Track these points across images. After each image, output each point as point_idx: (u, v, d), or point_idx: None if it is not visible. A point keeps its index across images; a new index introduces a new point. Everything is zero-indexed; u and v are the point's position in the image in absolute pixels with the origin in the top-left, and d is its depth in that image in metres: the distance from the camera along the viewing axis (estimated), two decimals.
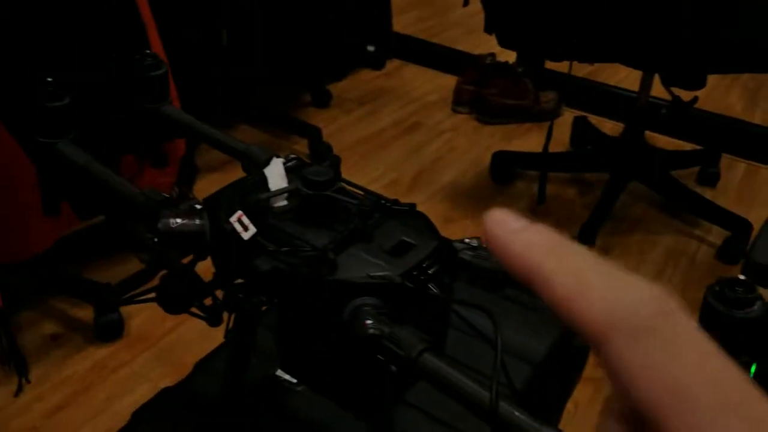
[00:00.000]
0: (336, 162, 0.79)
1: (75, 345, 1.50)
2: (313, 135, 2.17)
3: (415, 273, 0.68)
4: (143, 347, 1.51)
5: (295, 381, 0.98)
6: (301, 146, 2.23)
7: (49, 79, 0.83)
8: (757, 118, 2.46)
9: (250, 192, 0.76)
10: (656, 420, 0.19)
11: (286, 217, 0.73)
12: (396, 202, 0.77)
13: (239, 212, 0.70)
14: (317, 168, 0.74)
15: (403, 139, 2.35)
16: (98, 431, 1.32)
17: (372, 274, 0.67)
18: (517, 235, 0.24)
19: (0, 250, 1.36)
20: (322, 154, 2.16)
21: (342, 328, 0.66)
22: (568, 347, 1.13)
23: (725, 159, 2.17)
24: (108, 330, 1.50)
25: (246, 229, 0.69)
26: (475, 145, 2.34)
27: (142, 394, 1.41)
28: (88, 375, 1.44)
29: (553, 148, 2.20)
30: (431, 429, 0.91)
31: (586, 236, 1.78)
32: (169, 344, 1.52)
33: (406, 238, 0.71)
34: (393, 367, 0.62)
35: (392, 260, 0.68)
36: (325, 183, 0.72)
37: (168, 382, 1.44)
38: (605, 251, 1.84)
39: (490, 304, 0.71)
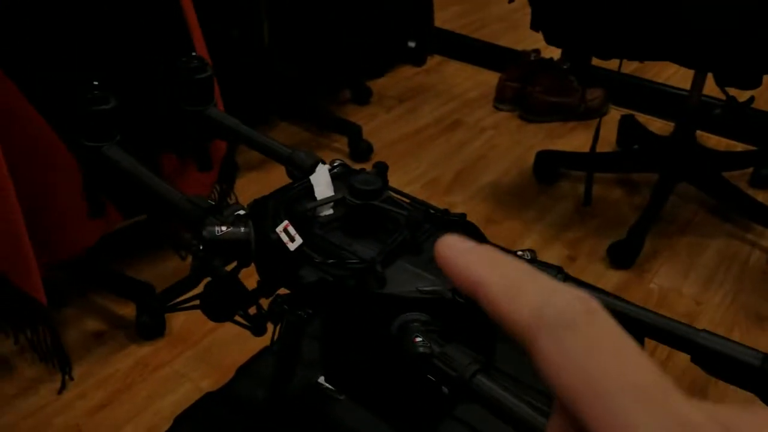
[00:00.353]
0: (383, 170, 0.77)
1: (118, 343, 1.51)
2: (354, 133, 2.16)
3: None
4: (184, 347, 1.51)
5: (336, 389, 0.97)
6: (341, 144, 2.21)
7: (96, 83, 0.83)
8: None
9: (296, 200, 0.74)
10: (574, 410, 0.21)
11: (332, 226, 0.71)
12: (446, 212, 0.74)
13: (285, 222, 0.68)
14: (365, 176, 0.72)
15: (443, 137, 2.32)
16: (139, 430, 1.32)
17: (421, 288, 0.64)
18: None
19: (45, 249, 1.37)
20: (363, 152, 2.14)
21: (389, 343, 0.64)
22: None
23: None
24: (149, 329, 1.51)
25: (292, 239, 0.67)
26: (517, 143, 2.29)
27: (184, 393, 1.41)
28: (130, 373, 1.44)
29: (600, 147, 2.15)
30: None
31: (634, 239, 1.73)
32: (209, 344, 1.52)
33: None
34: (444, 389, 0.60)
35: (443, 274, 0.66)
36: (373, 192, 0.70)
37: (208, 382, 1.45)
38: (654, 255, 1.78)
39: None
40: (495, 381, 0.58)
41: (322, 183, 0.76)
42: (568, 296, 0.23)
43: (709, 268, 1.75)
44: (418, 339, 0.61)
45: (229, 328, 1.62)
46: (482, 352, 0.62)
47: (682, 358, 1.59)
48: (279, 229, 0.68)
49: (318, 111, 2.34)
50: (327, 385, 0.97)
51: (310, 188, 0.75)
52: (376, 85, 2.60)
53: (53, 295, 1.48)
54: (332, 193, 0.74)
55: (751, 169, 2.04)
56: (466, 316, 0.66)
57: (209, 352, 1.50)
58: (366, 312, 0.66)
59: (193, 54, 0.92)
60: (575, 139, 2.30)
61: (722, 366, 0.60)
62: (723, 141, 2.23)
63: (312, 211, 0.71)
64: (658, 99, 2.40)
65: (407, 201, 0.75)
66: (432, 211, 0.73)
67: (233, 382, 1.01)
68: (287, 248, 0.67)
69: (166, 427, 1.35)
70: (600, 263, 1.75)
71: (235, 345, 1.49)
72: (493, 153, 2.24)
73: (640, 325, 0.65)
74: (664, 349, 1.53)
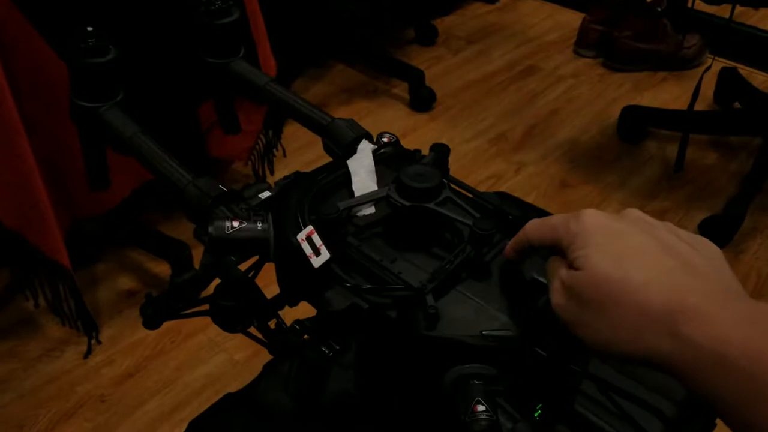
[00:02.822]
0: (443, 156, 0.59)
1: None
2: (416, 78, 1.95)
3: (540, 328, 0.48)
4: None
5: None
6: (401, 90, 2.01)
7: (90, 29, 0.66)
8: None
9: (328, 194, 0.57)
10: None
11: (371, 233, 0.54)
12: (525, 215, 0.56)
13: (309, 228, 0.51)
14: (418, 168, 0.54)
15: (515, 86, 2.09)
16: (165, 405, 1.22)
17: (486, 331, 0.47)
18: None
19: (75, 205, 1.25)
20: (425, 100, 1.94)
21: (441, 400, 0.48)
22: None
23: None
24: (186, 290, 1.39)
25: (318, 253, 0.50)
26: (600, 95, 2.04)
27: (216, 365, 1.30)
28: (161, 339, 1.34)
29: (688, 101, 1.88)
30: None
31: (732, 213, 1.50)
32: None
33: (538, 276, 0.51)
34: None
35: (517, 310, 0.48)
36: (428, 192, 0.52)
37: (243, 355, 1.32)
38: (753, 232, 1.55)
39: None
40: None
41: (362, 170, 0.58)
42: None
43: None
44: (480, 408, 0.44)
45: (272, 292, 1.50)
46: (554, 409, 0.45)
47: None
48: (301, 236, 0.52)
49: (377, 52, 2.14)
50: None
51: (348, 176, 0.58)
52: (443, 23, 2.37)
53: (83, 250, 1.38)
54: (374, 186, 0.56)
55: None
56: (545, 372, 0.49)
57: None
58: (412, 356, 0.50)
59: None
60: (665, 93, 2.03)
61: None
62: None
63: (346, 212, 0.54)
64: (765, 49, 2.09)
65: (473, 197, 0.57)
66: (510, 215, 0.54)
67: (258, 381, 0.87)
68: (310, 263, 0.51)
69: (194, 403, 1.24)
70: None
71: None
72: (571, 106, 2.00)
73: None
74: None
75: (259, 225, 0.57)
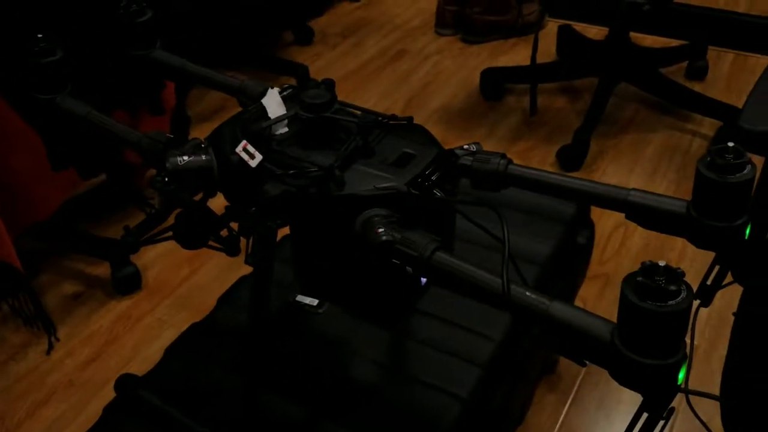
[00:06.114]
0: (331, 84, 0.81)
1: (97, 300, 1.54)
2: (302, 72, 2.17)
3: (419, 180, 0.71)
4: (163, 295, 1.55)
5: (314, 304, 1.02)
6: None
7: (40, 35, 0.84)
8: (741, 7, 2.45)
9: (252, 123, 0.78)
10: None
11: (289, 142, 0.76)
12: (393, 117, 0.79)
13: (244, 142, 0.72)
14: (314, 91, 0.76)
15: (390, 68, 2.35)
16: None
17: (378, 186, 0.70)
18: None
19: (9, 218, 1.38)
20: None
21: (355, 240, 0.70)
22: (571, 246, 1.17)
23: (712, 51, 2.17)
24: (126, 283, 1.54)
25: (252, 157, 0.72)
26: (462, 66, 2.33)
27: (169, 338, 1.45)
28: (114, 327, 1.49)
29: (541, 59, 2.19)
30: (445, 331, 0.95)
31: (579, 142, 1.80)
32: (187, 290, 1.57)
33: (407, 150, 0.74)
34: (409, 269, 0.66)
35: (396, 171, 0.71)
36: (324, 105, 0.74)
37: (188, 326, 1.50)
38: (600, 155, 1.86)
39: (495, 204, 0.74)
40: (453, 255, 0.64)
41: (273, 104, 0.79)
42: None
43: (653, 161, 1.84)
44: (380, 230, 0.67)
45: (204, 272, 1.67)
46: (442, 237, 0.68)
47: (635, 243, 1.67)
48: (238, 149, 0.72)
49: (263, 55, 2.34)
50: (305, 301, 1.03)
51: (264, 111, 0.79)
52: (318, 23, 2.60)
53: (27, 264, 1.51)
54: (285, 112, 0.78)
55: (686, 63, 2.13)
56: (423, 206, 0.72)
57: (189, 297, 1.55)
58: (330, 215, 0.72)
59: None
60: (518, 55, 2.35)
61: (653, 218, 0.67)
62: (658, 40, 2.29)
63: (268, 130, 0.75)
64: (593, 6, 2.44)
65: (357, 112, 0.79)
66: (380, 118, 0.77)
67: (216, 311, 1.06)
68: (249, 166, 0.72)
69: None
70: (551, 168, 1.83)
71: (213, 287, 1.54)
72: (440, 78, 2.28)
73: (578, 194, 0.72)
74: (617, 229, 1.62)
75: (204, 156, 0.77)
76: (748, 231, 0.63)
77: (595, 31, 2.38)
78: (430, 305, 0.97)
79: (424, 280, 0.78)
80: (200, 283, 1.58)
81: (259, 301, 0.88)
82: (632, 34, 2.13)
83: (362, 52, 2.44)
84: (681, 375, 0.51)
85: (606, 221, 1.59)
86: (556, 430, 1.25)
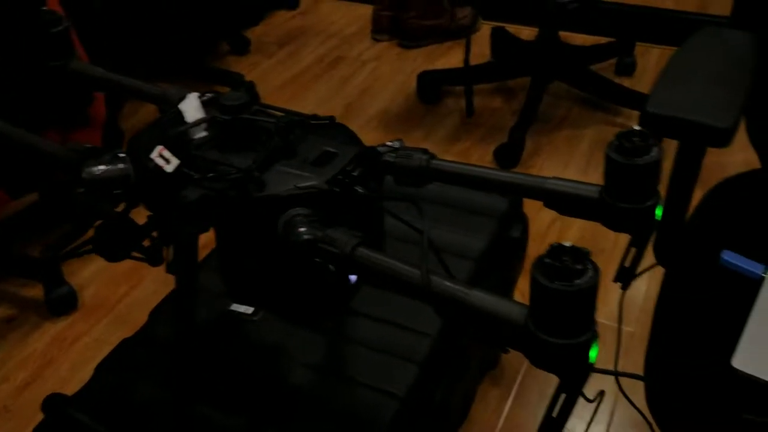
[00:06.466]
0: (251, 87, 0.80)
1: (31, 324, 1.49)
2: (237, 82, 2.15)
3: (339, 178, 0.71)
4: (100, 315, 1.51)
5: (249, 312, 1.01)
6: None
7: None
8: (668, 3, 2.53)
9: (170, 128, 0.77)
10: None
11: (208, 146, 0.75)
12: (315, 116, 0.79)
13: (159, 147, 0.71)
14: (232, 94, 0.75)
15: (328, 75, 2.35)
16: None
17: (299, 185, 0.69)
18: None
19: None
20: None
21: (279, 242, 0.69)
22: (505, 240, 1.18)
23: (639, 47, 2.24)
24: (61, 304, 1.50)
25: (168, 162, 0.70)
26: (399, 70, 2.35)
27: None
28: (49, 350, 1.44)
29: (477, 61, 2.23)
30: (381, 330, 0.95)
31: (515, 140, 1.83)
32: (127, 307, 1.53)
33: (328, 148, 0.74)
34: (331, 267, 0.66)
35: (317, 170, 0.71)
36: (241, 107, 0.74)
37: None
38: (536, 152, 1.90)
39: (417, 198, 0.75)
40: (375, 251, 0.64)
41: (191, 109, 0.78)
42: None
43: (586, 155, 1.89)
44: (302, 229, 0.67)
45: (141, 289, 1.63)
46: (367, 233, 0.68)
47: (571, 235, 1.70)
48: (154, 155, 0.71)
49: (198, 66, 2.31)
50: (240, 309, 1.02)
51: (182, 116, 0.78)
52: (254, 33, 2.59)
53: None
54: (203, 116, 0.77)
55: (615, 60, 2.18)
56: (345, 203, 0.72)
57: (128, 314, 1.51)
58: (252, 217, 0.71)
59: (44, 8, 0.91)
60: (454, 58, 2.37)
61: (569, 204, 0.68)
62: (588, 38, 2.35)
63: (185, 134, 0.74)
64: (522, 7, 2.49)
65: (278, 113, 0.79)
66: (301, 117, 0.77)
67: (147, 325, 1.04)
68: (165, 172, 0.70)
69: None
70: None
71: (151, 304, 1.51)
72: (378, 83, 2.29)
73: (499, 185, 0.73)
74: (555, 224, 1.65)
75: (121, 165, 0.76)
76: (659, 212, 0.65)
77: (528, 32, 2.43)
78: (365, 305, 0.97)
79: (354, 278, 0.78)
80: (139, 299, 1.54)
81: (185, 310, 0.87)
82: (563, 34, 2.18)
83: (299, 61, 2.43)
84: (593, 353, 0.52)
85: (543, 216, 1.62)
86: (500, 423, 1.26)
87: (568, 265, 0.49)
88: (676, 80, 0.79)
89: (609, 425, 1.24)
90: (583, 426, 1.19)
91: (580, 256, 0.50)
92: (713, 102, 0.72)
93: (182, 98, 0.84)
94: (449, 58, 2.39)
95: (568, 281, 0.49)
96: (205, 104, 0.80)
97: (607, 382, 1.04)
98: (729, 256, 0.76)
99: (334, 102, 2.20)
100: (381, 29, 2.50)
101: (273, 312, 0.91)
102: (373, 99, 2.20)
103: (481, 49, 2.36)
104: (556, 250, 0.50)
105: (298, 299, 0.79)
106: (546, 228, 1.63)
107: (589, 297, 0.50)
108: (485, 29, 2.43)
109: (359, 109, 2.16)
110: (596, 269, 0.50)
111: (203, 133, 0.76)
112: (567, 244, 0.50)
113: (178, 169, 0.70)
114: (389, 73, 2.33)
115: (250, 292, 0.85)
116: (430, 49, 2.44)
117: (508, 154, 1.83)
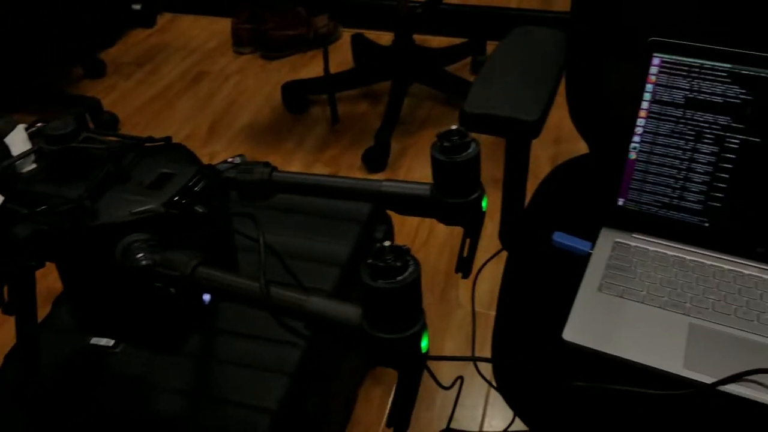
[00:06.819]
0: (80, 114, 0.78)
1: None
2: (93, 107, 2.07)
3: (177, 200, 0.70)
4: None
5: (110, 345, 0.98)
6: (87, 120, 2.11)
7: None
8: (512, 2, 2.67)
9: None
10: None
11: (38, 179, 0.72)
12: (150, 138, 0.78)
13: None
14: (56, 122, 0.73)
15: (191, 92, 2.30)
16: None
17: (134, 210, 0.68)
18: None
19: None
20: (108, 124, 2.07)
21: (118, 269, 0.68)
22: (370, 243, 1.21)
23: (491, 45, 2.35)
24: None
25: None
26: (265, 82, 2.34)
27: None
28: None
29: (341, 68, 2.26)
30: (248, 346, 0.95)
31: (380, 143, 1.87)
32: None
33: (164, 170, 0.73)
34: (172, 290, 0.65)
35: (153, 193, 0.70)
36: (68, 135, 0.71)
37: None
38: (402, 153, 1.95)
39: (268, 215, 0.76)
40: (216, 269, 0.65)
41: (18, 141, 0.75)
42: None
43: None
44: (139, 255, 0.66)
45: (5, 332, 1.53)
46: (212, 252, 0.68)
47: (441, 232, 1.73)
48: None
49: (51, 93, 2.21)
50: (101, 343, 0.98)
51: (7, 149, 0.75)
52: (109, 55, 2.50)
53: None
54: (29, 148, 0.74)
55: (469, 59, 2.28)
56: (186, 224, 0.71)
57: None
58: (89, 248, 0.69)
59: None
60: (318, 67, 2.39)
61: (404, 204, 0.71)
62: (444, 40, 2.44)
63: (9, 169, 0.71)
64: (376, 13, 2.54)
65: (111, 139, 0.77)
66: (134, 141, 0.76)
67: (2, 369, 0.98)
68: None
69: None
70: (359, 172, 1.88)
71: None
72: (243, 96, 2.27)
73: (339, 191, 0.75)
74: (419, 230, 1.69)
75: None
76: (485, 203, 0.69)
77: (387, 38, 2.49)
78: (229, 323, 0.97)
79: (207, 297, 0.78)
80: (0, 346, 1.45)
81: (29, 350, 0.83)
82: (420, 38, 2.25)
83: (160, 79, 2.37)
84: (424, 344, 0.54)
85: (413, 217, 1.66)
86: (384, 421, 1.28)
87: (391, 264, 0.52)
88: (490, 80, 0.84)
89: (485, 408, 1.29)
90: (467, 413, 1.24)
91: (401, 253, 0.52)
92: (523, 98, 0.77)
93: (8, 130, 0.81)
94: (313, 66, 2.41)
95: (392, 279, 0.51)
96: (34, 135, 0.77)
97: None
98: (559, 237, 0.81)
99: (200, 118, 2.16)
100: (242, 42, 2.48)
101: (129, 342, 0.89)
102: (240, 112, 2.18)
103: (343, 56, 2.40)
104: (379, 251, 0.52)
105: (150, 326, 0.78)
106: (416, 227, 1.68)
107: (413, 291, 0.53)
108: (346, 36, 2.47)
109: (226, 124, 2.13)
110: (417, 264, 0.53)
111: (32, 166, 0.73)
112: (387, 243, 0.52)
113: (2, 206, 0.67)
114: (254, 86, 2.32)
115: (102, 325, 0.83)
116: (294, 59, 2.45)
117: (376, 158, 1.87)
